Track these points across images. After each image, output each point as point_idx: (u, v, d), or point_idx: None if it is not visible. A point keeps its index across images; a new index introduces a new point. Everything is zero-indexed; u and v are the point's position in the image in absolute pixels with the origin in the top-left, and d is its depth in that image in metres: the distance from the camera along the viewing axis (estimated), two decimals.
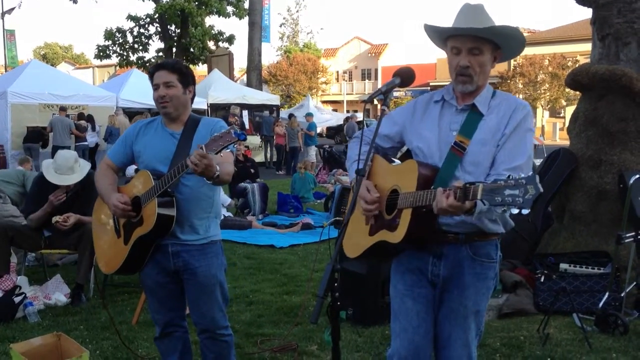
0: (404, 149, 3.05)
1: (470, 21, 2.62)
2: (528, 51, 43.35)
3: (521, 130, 2.65)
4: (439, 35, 2.76)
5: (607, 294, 5.11)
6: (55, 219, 5.65)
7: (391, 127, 2.91)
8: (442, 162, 2.67)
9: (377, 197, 2.72)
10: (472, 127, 2.66)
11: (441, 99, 2.80)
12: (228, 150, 2.85)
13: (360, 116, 34.81)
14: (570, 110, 32.83)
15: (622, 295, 5.13)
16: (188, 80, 3.32)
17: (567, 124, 7.00)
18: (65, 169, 5.69)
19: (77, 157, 5.86)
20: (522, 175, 2.14)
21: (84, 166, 5.90)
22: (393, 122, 2.92)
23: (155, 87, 3.27)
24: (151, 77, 3.31)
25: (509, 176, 2.17)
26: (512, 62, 43.58)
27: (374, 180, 2.84)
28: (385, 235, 2.71)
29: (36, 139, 16.97)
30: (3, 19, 36.87)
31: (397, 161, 2.92)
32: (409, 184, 2.60)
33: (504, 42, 2.69)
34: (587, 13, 6.63)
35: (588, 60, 7.06)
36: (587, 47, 7.70)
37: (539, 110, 43.15)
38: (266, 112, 23.97)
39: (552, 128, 40.95)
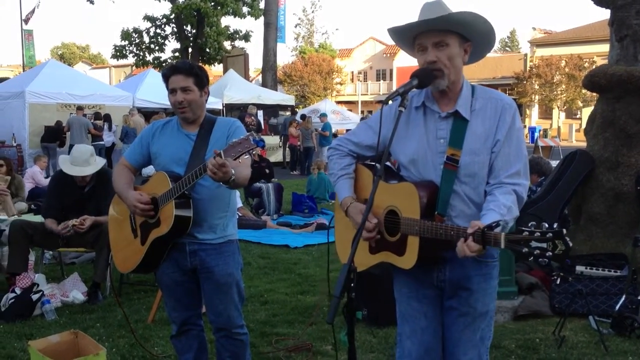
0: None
1: (428, 15, 2.54)
2: (545, 52, 43.22)
3: (513, 132, 2.62)
4: (404, 37, 2.68)
5: (623, 296, 5.08)
6: (72, 222, 5.72)
7: (373, 138, 2.81)
8: (435, 172, 2.62)
9: (376, 223, 2.68)
10: (461, 136, 2.60)
11: (421, 105, 2.70)
12: (246, 157, 2.86)
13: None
14: (586, 112, 32.61)
15: (639, 298, 5.10)
16: (203, 82, 3.33)
17: (583, 125, 6.98)
18: (80, 161, 5.81)
19: (93, 152, 5.99)
20: (547, 226, 2.12)
21: (99, 161, 6.01)
22: (374, 132, 2.79)
23: (172, 92, 3.28)
24: (166, 80, 3.32)
25: (531, 226, 2.15)
26: (529, 62, 43.41)
27: (364, 194, 2.79)
28: (391, 257, 2.69)
29: (53, 139, 17.09)
30: (22, 21, 37.19)
31: (377, 165, 2.85)
32: (411, 210, 2.57)
33: (469, 32, 2.59)
34: (604, 14, 6.61)
35: (605, 62, 7.02)
36: (604, 48, 7.67)
37: (555, 111, 42.91)
38: (288, 113, 24.00)
39: (568, 129, 40.67)
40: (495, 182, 2.59)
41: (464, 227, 2.41)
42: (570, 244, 2.10)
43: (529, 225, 2.20)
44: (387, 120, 2.69)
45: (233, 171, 2.92)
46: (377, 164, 2.84)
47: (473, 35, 2.62)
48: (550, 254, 2.10)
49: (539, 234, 2.13)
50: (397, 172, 2.82)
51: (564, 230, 2.12)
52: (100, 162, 5.99)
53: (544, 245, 2.12)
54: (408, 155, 2.71)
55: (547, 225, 2.13)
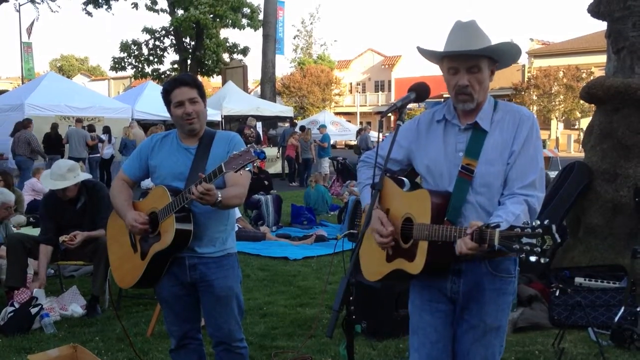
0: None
1: (464, 40, 2.60)
2: (542, 63, 43.35)
3: (530, 144, 2.64)
4: (434, 56, 2.74)
5: (622, 308, 5.08)
6: (62, 238, 5.72)
7: (397, 151, 2.86)
8: (451, 185, 2.66)
9: (392, 230, 2.70)
10: (478, 147, 2.64)
11: (443, 118, 2.77)
12: (247, 169, 2.88)
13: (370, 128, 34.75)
14: (584, 122, 32.68)
15: (638, 309, 5.09)
16: (204, 93, 3.37)
17: (581, 136, 7.00)
18: (57, 175, 5.77)
19: (74, 167, 5.89)
20: (538, 223, 2.15)
21: (81, 176, 5.89)
22: (399, 145, 2.84)
23: (179, 104, 3.26)
24: (167, 94, 3.30)
25: (524, 223, 2.20)
26: (527, 73, 43.53)
27: (387, 204, 2.82)
28: (403, 264, 2.70)
29: (57, 150, 16.97)
30: (21, 34, 37.36)
31: (406, 180, 2.90)
32: (423, 215, 2.60)
33: (500, 56, 2.69)
34: (601, 25, 6.63)
35: (603, 72, 7.05)
36: (602, 58, 7.71)
37: (554, 122, 42.99)
38: (286, 124, 24.03)
39: (566, 140, 40.76)
40: (508, 192, 2.61)
41: (465, 227, 2.43)
42: (559, 240, 2.15)
43: (522, 223, 2.23)
44: (409, 134, 2.80)
45: (219, 194, 2.97)
46: (404, 179, 2.91)
47: (502, 58, 2.70)
48: (539, 249, 2.13)
49: (529, 229, 2.16)
50: (419, 185, 2.87)
51: (553, 227, 2.14)
52: (81, 177, 5.88)
53: (534, 240, 2.14)
54: (426, 166, 2.77)
55: (538, 222, 2.16)
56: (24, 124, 15.86)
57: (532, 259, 2.14)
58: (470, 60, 2.61)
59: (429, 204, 2.58)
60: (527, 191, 2.57)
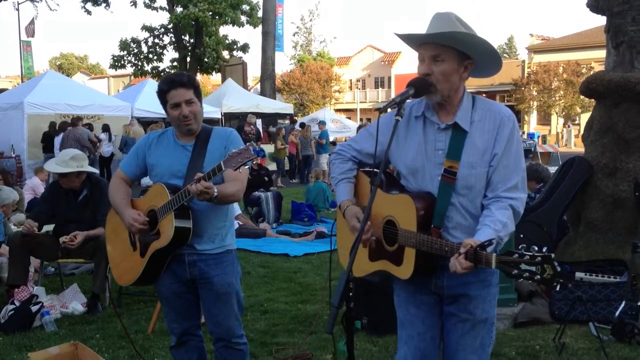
0: None
1: (434, 28, 2.57)
2: (542, 58, 43.33)
3: (512, 145, 2.62)
4: (411, 43, 2.71)
5: (623, 302, 5.07)
6: (62, 239, 5.72)
7: (374, 146, 2.74)
8: (433, 184, 2.64)
9: (369, 224, 2.70)
10: (459, 148, 2.61)
11: (421, 114, 2.72)
12: (246, 166, 2.88)
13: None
14: (584, 117, 32.67)
15: (638, 304, 5.09)
16: (200, 92, 3.36)
17: (582, 131, 7.00)
18: (60, 162, 5.88)
19: (80, 157, 5.95)
20: (536, 250, 2.16)
21: (84, 167, 5.94)
22: (375, 140, 2.71)
23: (176, 105, 3.25)
24: (164, 94, 3.28)
25: (521, 248, 2.21)
26: (527, 69, 43.50)
27: (364, 202, 2.80)
28: (389, 267, 2.71)
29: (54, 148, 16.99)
30: (20, 32, 37.33)
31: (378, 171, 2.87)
32: (408, 222, 2.59)
33: (469, 50, 2.60)
34: (601, 20, 6.63)
35: (602, 67, 7.04)
36: (602, 53, 7.70)
37: (554, 118, 42.98)
38: (287, 121, 24.00)
39: (566, 135, 40.74)
40: (493, 195, 2.61)
41: (457, 244, 2.44)
42: (559, 269, 2.16)
43: (519, 247, 2.23)
44: (387, 129, 2.68)
45: (215, 189, 2.98)
46: (376, 171, 2.87)
47: (474, 53, 2.62)
48: (539, 277, 2.15)
49: (528, 257, 2.17)
50: (397, 180, 2.84)
51: (553, 255, 2.16)
52: (85, 168, 5.93)
53: (533, 268, 2.16)
54: (407, 165, 2.73)
55: (536, 249, 2.16)
56: (73, 122, 16.07)
57: (531, 283, 2.17)
58: (435, 48, 2.58)
59: (414, 210, 2.57)
60: (511, 194, 2.58)
